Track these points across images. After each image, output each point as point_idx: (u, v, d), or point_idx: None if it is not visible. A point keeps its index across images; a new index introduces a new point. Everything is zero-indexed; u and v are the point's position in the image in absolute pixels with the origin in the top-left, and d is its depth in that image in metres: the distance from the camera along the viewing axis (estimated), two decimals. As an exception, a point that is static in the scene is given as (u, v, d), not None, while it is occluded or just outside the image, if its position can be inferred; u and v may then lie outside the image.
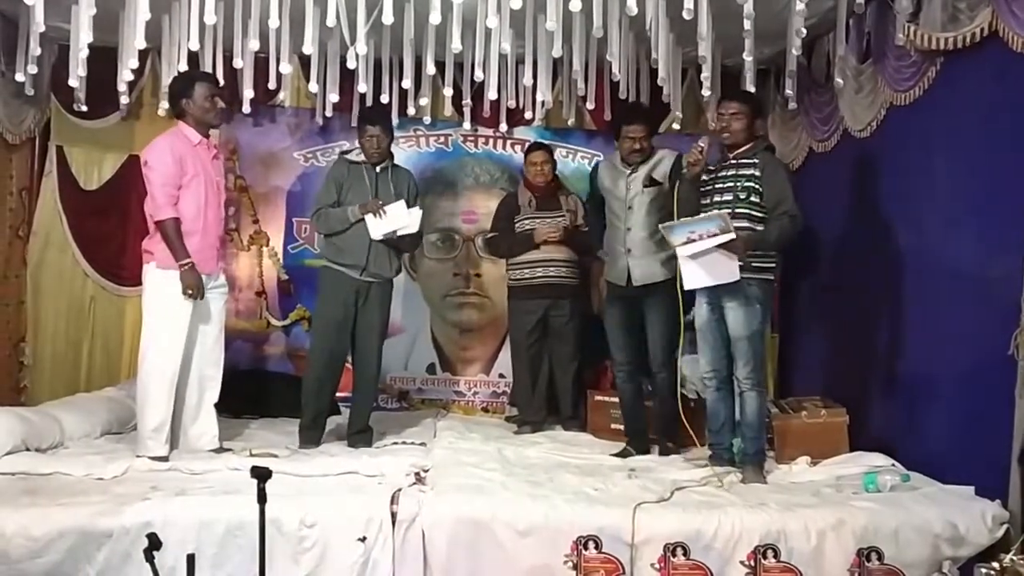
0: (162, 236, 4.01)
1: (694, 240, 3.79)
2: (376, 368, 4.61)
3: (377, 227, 4.40)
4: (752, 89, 4.61)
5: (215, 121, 4.27)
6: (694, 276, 3.88)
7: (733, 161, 4.02)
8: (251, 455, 4.00)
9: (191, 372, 4.17)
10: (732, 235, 3.70)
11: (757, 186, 3.92)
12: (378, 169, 4.54)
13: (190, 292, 3.98)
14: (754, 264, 3.89)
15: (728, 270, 3.80)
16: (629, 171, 4.45)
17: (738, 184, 3.95)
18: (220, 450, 4.17)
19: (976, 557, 3.18)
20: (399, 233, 4.45)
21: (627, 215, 4.39)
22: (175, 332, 4.02)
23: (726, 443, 4.13)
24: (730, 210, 3.88)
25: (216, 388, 4.24)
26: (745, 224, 3.88)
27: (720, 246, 3.74)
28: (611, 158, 4.69)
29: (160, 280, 4.03)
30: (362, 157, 4.59)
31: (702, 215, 3.85)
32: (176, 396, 4.10)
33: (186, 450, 4.13)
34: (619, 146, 4.52)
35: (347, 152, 4.83)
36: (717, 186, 4.00)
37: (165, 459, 3.93)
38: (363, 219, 4.41)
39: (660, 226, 3.97)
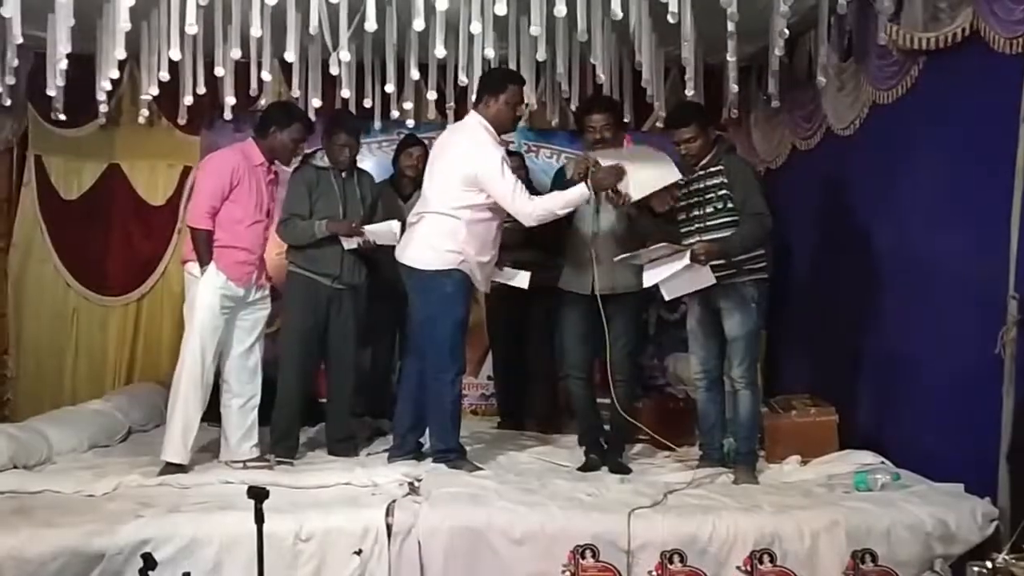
0: (192, 241, 4.04)
1: (655, 261, 3.84)
2: (354, 376, 4.59)
3: (352, 240, 4.36)
4: (735, 87, 4.64)
5: (286, 162, 4.34)
6: (672, 288, 3.91)
7: (701, 172, 4.02)
8: (245, 467, 4.00)
9: (230, 383, 4.16)
10: (686, 254, 3.76)
11: (728, 192, 3.93)
12: (344, 175, 4.48)
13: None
14: (746, 266, 3.90)
15: (702, 277, 3.83)
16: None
17: (710, 195, 3.97)
18: (260, 459, 4.16)
19: (967, 555, 3.21)
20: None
21: (595, 219, 4.17)
22: (206, 338, 3.99)
23: (716, 443, 4.15)
24: (701, 224, 3.95)
25: (254, 399, 4.21)
26: (728, 233, 3.89)
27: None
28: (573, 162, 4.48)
29: (195, 282, 4.04)
30: (327, 162, 4.55)
31: (649, 249, 3.87)
32: (220, 406, 4.15)
33: (228, 458, 4.12)
34: (583, 139, 4.33)
35: (311, 155, 4.76)
36: (693, 200, 4.02)
37: (183, 468, 3.92)
38: (329, 236, 4.35)
39: (616, 259, 3.94)
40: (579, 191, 3.88)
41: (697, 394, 4.21)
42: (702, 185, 4.00)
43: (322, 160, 4.58)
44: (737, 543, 3.17)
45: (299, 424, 4.50)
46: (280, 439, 4.36)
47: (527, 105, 5.14)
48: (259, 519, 2.57)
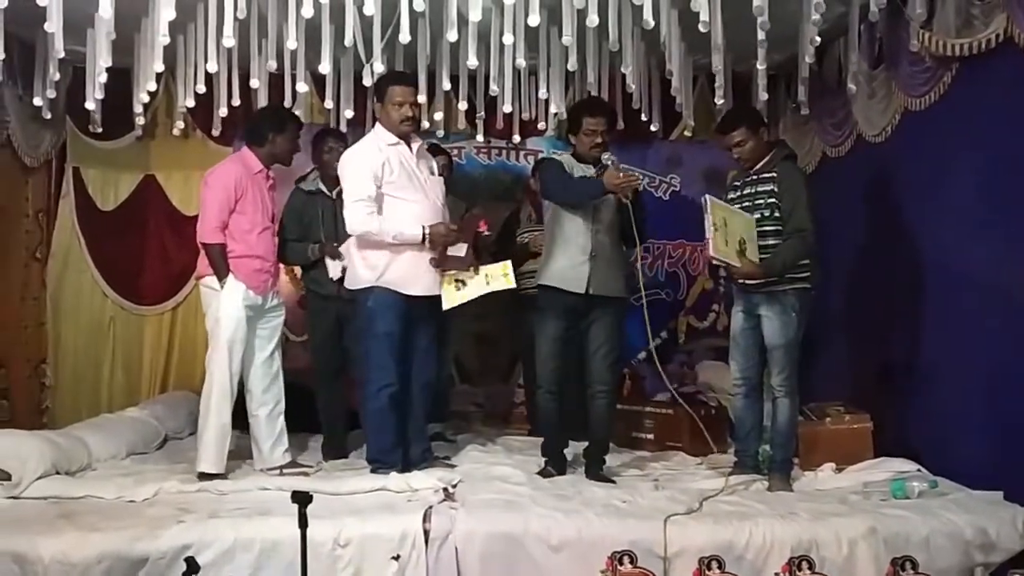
0: (207, 258, 4.09)
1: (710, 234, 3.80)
2: None
3: (336, 267, 4.44)
4: (764, 95, 4.63)
5: (289, 162, 4.36)
6: None
7: (754, 177, 4.02)
8: (281, 473, 4.04)
9: (254, 392, 4.21)
10: (737, 264, 3.80)
11: (777, 201, 3.92)
12: (334, 195, 4.50)
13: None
14: (787, 275, 3.89)
15: None
16: (596, 169, 4.10)
17: (759, 201, 3.96)
18: (294, 464, 4.22)
19: (1007, 563, 3.19)
20: None
21: (595, 215, 4.03)
22: (235, 350, 4.06)
23: (751, 450, 4.14)
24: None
25: (279, 405, 4.26)
26: (772, 242, 3.91)
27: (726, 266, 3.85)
28: (565, 158, 4.20)
29: (216, 296, 4.10)
30: (317, 185, 4.66)
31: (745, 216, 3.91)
32: (249, 414, 4.21)
33: (262, 466, 4.18)
34: (577, 140, 4.12)
35: (302, 180, 4.79)
36: (744, 204, 4.02)
37: (223, 476, 3.97)
38: (322, 258, 4.48)
39: (706, 197, 3.83)
40: (416, 236, 3.87)
41: (735, 400, 4.21)
42: (753, 190, 4.00)
43: (312, 184, 4.70)
44: (774, 550, 3.16)
45: (344, 428, 4.67)
46: (325, 444, 4.65)
47: (556, 115, 5.17)
48: (303, 523, 2.60)
